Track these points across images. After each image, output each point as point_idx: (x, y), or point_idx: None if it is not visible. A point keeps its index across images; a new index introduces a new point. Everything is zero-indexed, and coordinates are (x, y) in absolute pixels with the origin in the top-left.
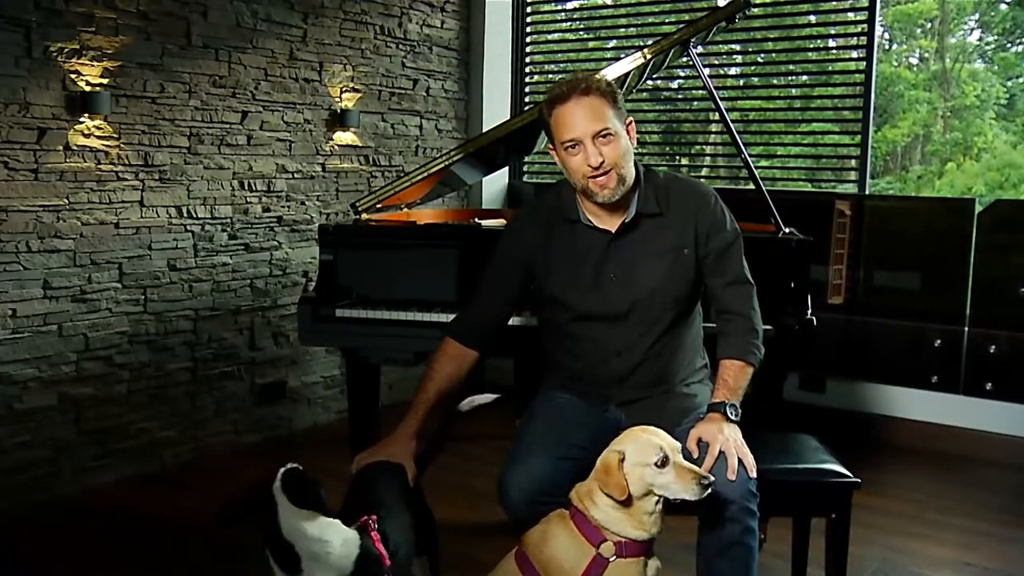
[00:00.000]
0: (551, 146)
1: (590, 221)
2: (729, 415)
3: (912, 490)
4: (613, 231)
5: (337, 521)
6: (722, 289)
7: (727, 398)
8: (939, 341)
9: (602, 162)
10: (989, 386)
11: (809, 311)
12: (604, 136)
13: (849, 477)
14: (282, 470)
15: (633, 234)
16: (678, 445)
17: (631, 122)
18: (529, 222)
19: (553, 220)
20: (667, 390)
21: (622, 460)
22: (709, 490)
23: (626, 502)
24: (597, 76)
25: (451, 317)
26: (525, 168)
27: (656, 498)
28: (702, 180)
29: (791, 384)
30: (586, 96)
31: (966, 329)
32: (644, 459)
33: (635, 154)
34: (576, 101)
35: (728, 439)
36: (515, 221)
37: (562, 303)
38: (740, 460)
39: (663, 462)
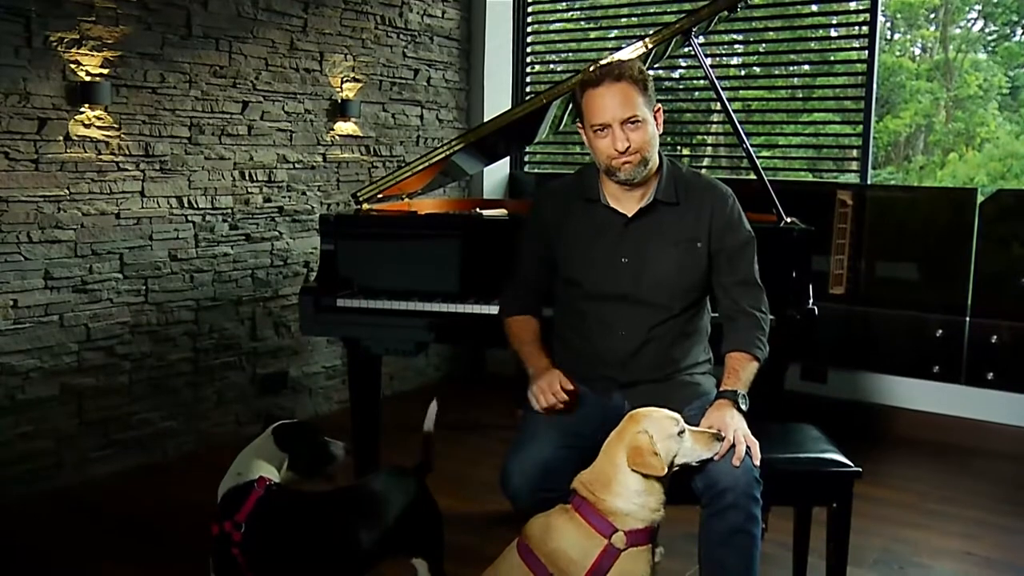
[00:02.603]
0: (580, 125)
1: (608, 202)
2: (740, 404)
3: (913, 480)
4: (630, 215)
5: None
6: (732, 287)
7: (736, 387)
8: (941, 331)
9: (628, 147)
10: (991, 376)
11: (811, 301)
12: (632, 122)
13: (850, 467)
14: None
15: (649, 220)
16: (679, 416)
17: (659, 109)
18: (548, 199)
19: (572, 198)
20: (671, 376)
21: (651, 438)
22: (722, 442)
23: (663, 478)
24: (630, 62)
25: (452, 307)
26: (526, 158)
27: (671, 472)
28: (704, 171)
29: (792, 374)
30: (617, 82)
31: (968, 319)
32: (667, 432)
33: None
34: (607, 86)
35: (737, 428)
36: (536, 199)
37: (572, 280)
38: (747, 448)
39: (681, 431)
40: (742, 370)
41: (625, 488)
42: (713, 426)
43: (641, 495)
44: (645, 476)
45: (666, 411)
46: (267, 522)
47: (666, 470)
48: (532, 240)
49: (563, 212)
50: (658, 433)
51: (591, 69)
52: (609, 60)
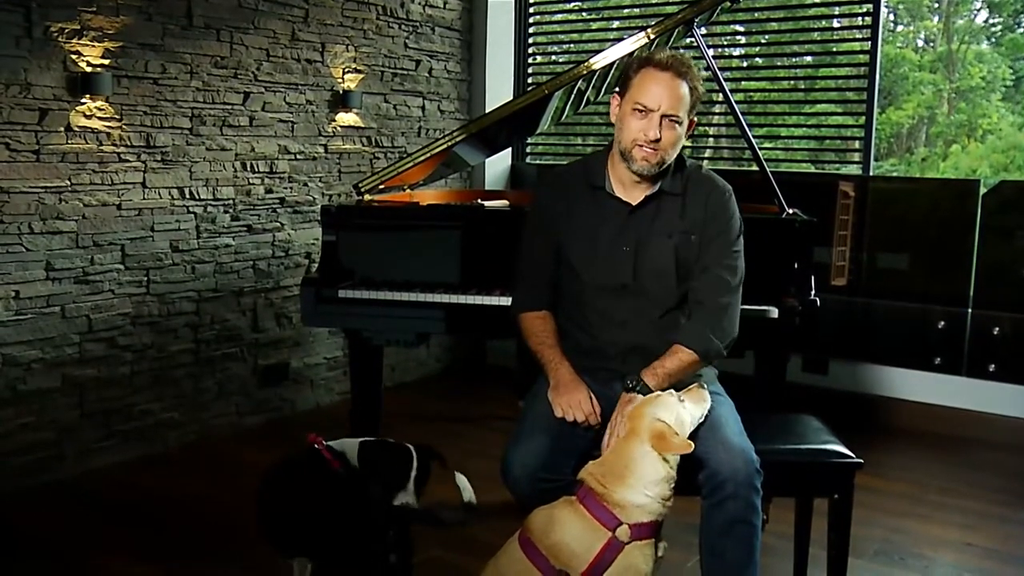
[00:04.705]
0: (617, 96)
1: (614, 191)
2: (632, 387)
3: (914, 471)
4: (634, 204)
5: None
6: (702, 274)
7: (644, 378)
8: (942, 323)
9: (658, 140)
10: (992, 368)
11: (812, 292)
12: (672, 120)
13: (851, 458)
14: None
15: (651, 211)
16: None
17: (694, 122)
18: (551, 186)
19: (576, 185)
20: None
21: (667, 423)
22: (705, 386)
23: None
24: (694, 68)
25: (453, 298)
26: (528, 149)
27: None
28: (705, 162)
29: (794, 365)
30: (680, 79)
31: (969, 311)
32: (673, 407)
33: None
34: (671, 77)
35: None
36: (539, 187)
37: (574, 268)
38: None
39: (680, 400)
40: (668, 368)
41: (641, 480)
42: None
43: (658, 484)
44: (665, 459)
45: (656, 394)
46: None
47: (692, 445)
48: (538, 230)
49: (567, 199)
50: (668, 413)
51: (660, 52)
52: (674, 54)
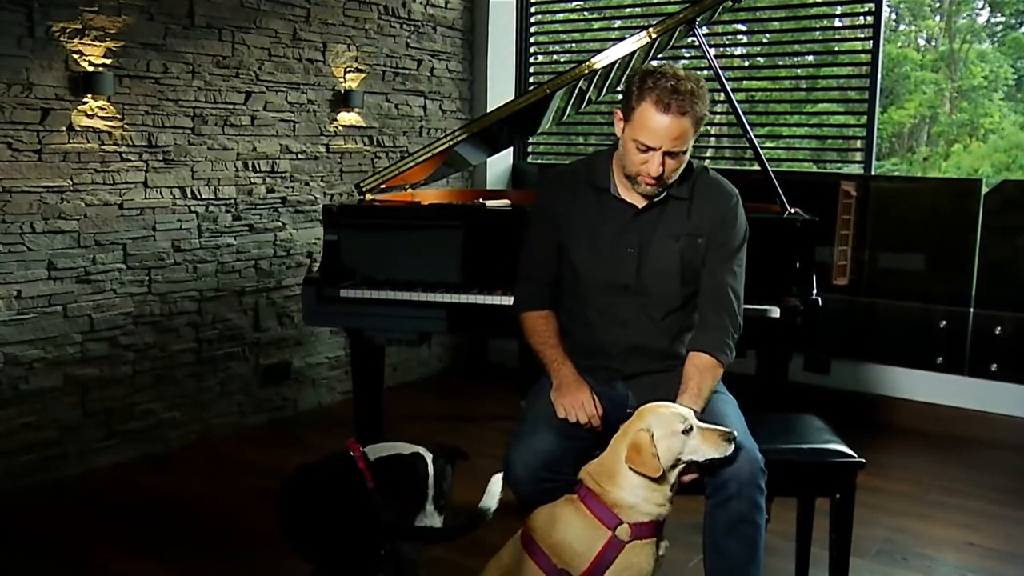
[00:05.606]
0: (620, 113)
1: (619, 192)
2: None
3: (916, 471)
4: (640, 207)
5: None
6: (711, 280)
7: (696, 406)
8: (944, 322)
9: (661, 174)
10: (994, 367)
11: (814, 292)
12: (674, 155)
13: (853, 457)
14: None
15: (656, 213)
16: (691, 411)
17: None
18: (554, 185)
19: (580, 184)
20: (673, 367)
21: (652, 437)
22: (734, 444)
23: (659, 479)
24: (699, 94)
25: (455, 297)
26: (529, 149)
27: (678, 469)
28: (708, 161)
29: (796, 365)
30: (682, 117)
31: (971, 310)
32: (671, 429)
33: None
34: (673, 118)
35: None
36: (542, 185)
37: (576, 268)
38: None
39: (688, 429)
40: (698, 382)
41: (628, 482)
42: None
43: (644, 489)
44: (641, 475)
45: (676, 407)
46: None
47: (662, 471)
48: (541, 229)
49: (570, 198)
50: (661, 430)
51: (663, 81)
52: (681, 79)
